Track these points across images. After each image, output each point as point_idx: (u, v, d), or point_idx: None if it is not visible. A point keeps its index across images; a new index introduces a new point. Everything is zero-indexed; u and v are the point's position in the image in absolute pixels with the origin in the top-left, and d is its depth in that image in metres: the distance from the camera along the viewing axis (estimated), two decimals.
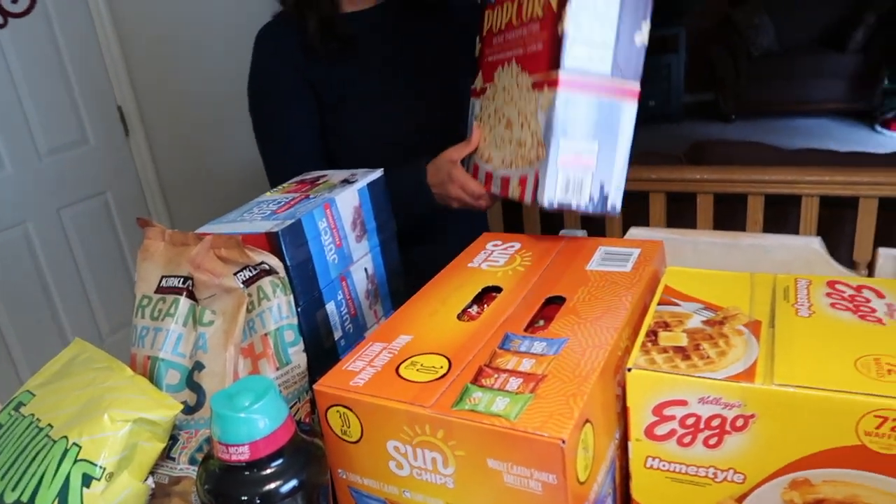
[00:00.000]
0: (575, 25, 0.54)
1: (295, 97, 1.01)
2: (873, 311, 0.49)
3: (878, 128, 4.34)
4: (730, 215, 1.56)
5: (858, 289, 0.52)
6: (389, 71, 1.02)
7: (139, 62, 2.27)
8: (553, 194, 0.57)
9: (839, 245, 1.48)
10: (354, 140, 1.02)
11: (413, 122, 1.02)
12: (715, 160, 1.58)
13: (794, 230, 1.48)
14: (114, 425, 0.47)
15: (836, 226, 1.50)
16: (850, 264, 1.46)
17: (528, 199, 0.61)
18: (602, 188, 0.58)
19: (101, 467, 0.46)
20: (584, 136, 0.56)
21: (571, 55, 0.54)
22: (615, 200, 0.59)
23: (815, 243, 0.71)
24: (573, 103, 0.55)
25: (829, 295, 0.51)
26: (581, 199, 0.58)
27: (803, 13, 4.92)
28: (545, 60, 0.57)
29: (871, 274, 0.68)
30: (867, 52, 4.51)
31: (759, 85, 4.85)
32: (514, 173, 0.63)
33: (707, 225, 1.54)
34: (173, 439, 0.53)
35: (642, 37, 0.56)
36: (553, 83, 0.56)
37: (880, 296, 0.51)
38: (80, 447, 0.46)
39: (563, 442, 0.38)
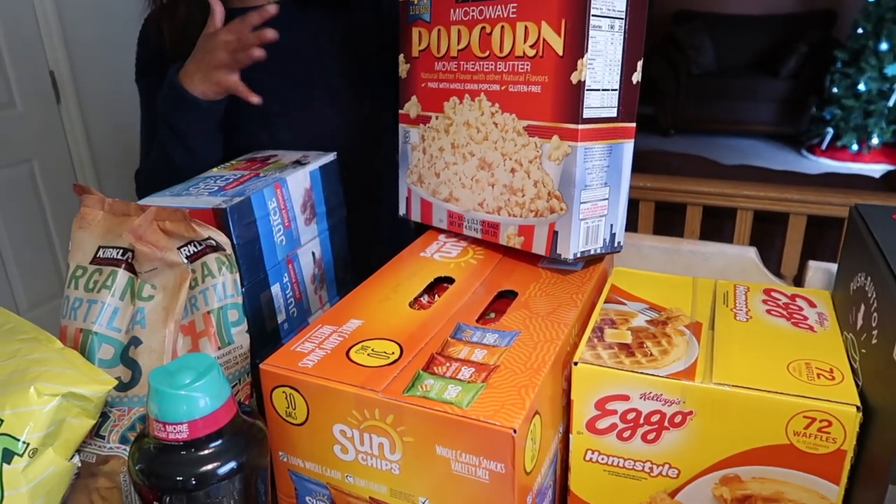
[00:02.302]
0: (591, 74, 0.53)
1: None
2: (805, 318, 0.51)
3: (804, 152, 4.59)
4: (668, 223, 1.62)
5: (792, 297, 0.55)
6: (278, 70, 0.91)
7: (76, 26, 2.16)
8: (577, 247, 0.57)
9: (768, 258, 1.56)
10: (238, 142, 0.91)
11: (297, 126, 0.93)
12: (656, 170, 1.63)
13: (729, 241, 1.55)
14: (40, 399, 0.44)
15: (766, 239, 1.58)
16: (778, 277, 1.54)
17: (538, 249, 0.59)
18: (611, 229, 0.59)
19: (24, 442, 0.43)
20: (599, 183, 0.56)
21: (589, 105, 0.54)
22: (620, 238, 0.60)
23: (751, 253, 0.74)
24: (590, 154, 0.55)
25: (765, 302, 0.54)
26: (597, 244, 0.58)
27: (742, 38, 5.14)
28: (548, 107, 0.56)
29: (797, 286, 0.72)
30: (798, 79, 4.76)
31: (696, 102, 5.04)
32: (508, 220, 0.61)
33: (647, 231, 1.59)
34: (103, 416, 0.50)
35: (638, 76, 0.56)
36: (569, 135, 0.55)
37: (812, 305, 0.53)
38: (2, 420, 0.43)
39: (515, 431, 0.38)
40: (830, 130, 4.38)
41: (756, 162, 4.40)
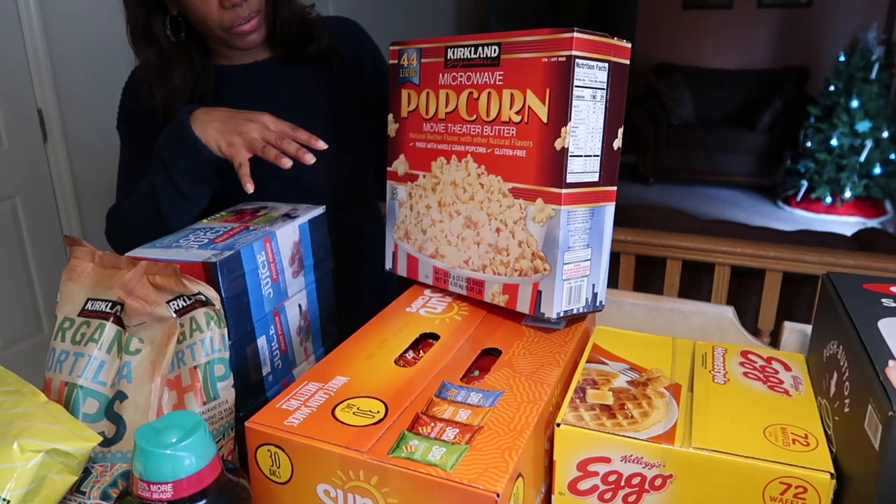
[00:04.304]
0: (574, 141, 0.56)
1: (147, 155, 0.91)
2: (781, 382, 0.53)
3: (780, 203, 4.69)
4: (649, 276, 1.65)
5: (769, 360, 0.56)
6: None
7: (65, 67, 2.18)
8: (560, 306, 0.59)
9: (745, 313, 1.59)
10: (226, 192, 0.88)
11: (284, 179, 0.89)
12: (637, 223, 1.67)
13: (707, 296, 1.57)
14: (23, 455, 0.44)
15: (743, 293, 1.61)
16: (755, 331, 1.56)
17: (522, 307, 0.61)
18: (593, 289, 0.61)
19: (4, 500, 0.43)
20: (582, 245, 0.58)
21: (571, 171, 0.56)
22: (602, 297, 0.62)
23: (729, 312, 0.76)
24: (573, 217, 0.57)
25: (742, 364, 0.55)
26: (579, 304, 0.60)
27: (720, 91, 5.31)
28: (532, 171, 0.58)
29: (773, 342, 0.74)
30: (773, 133, 4.90)
31: (676, 152, 5.16)
32: (493, 278, 0.63)
33: (628, 283, 1.61)
34: (86, 472, 0.50)
35: (619, 142, 0.59)
36: (553, 198, 0.57)
37: (787, 368, 0.55)
38: None
39: (498, 496, 0.39)
40: (805, 183, 4.49)
41: (734, 212, 4.50)
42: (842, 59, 4.38)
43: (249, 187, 0.77)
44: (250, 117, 0.79)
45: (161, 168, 0.83)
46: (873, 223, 4.31)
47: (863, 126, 4.20)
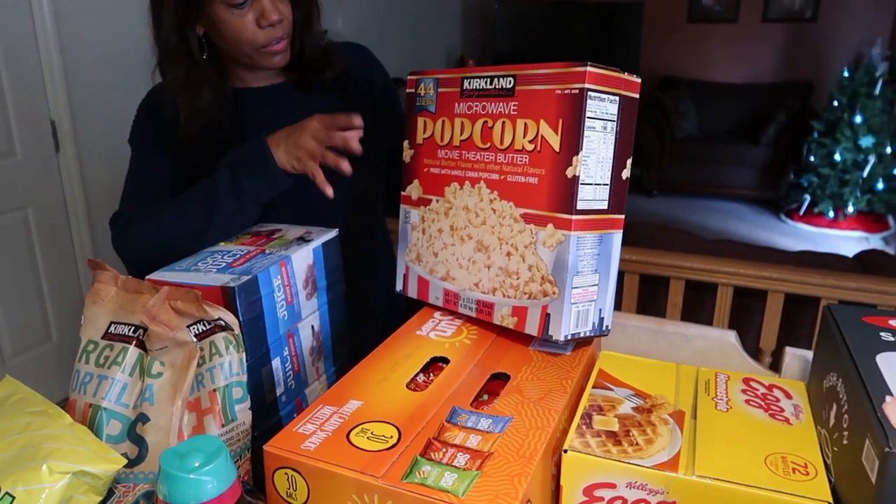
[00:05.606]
0: (585, 170, 0.58)
1: (167, 174, 0.97)
2: (782, 410, 0.54)
3: (783, 217, 4.70)
4: (652, 294, 1.66)
5: (770, 388, 0.58)
6: None
7: (79, 79, 2.21)
8: (568, 329, 0.61)
9: (748, 332, 1.60)
10: None
11: (298, 201, 0.94)
12: (640, 241, 1.68)
13: (710, 315, 1.59)
14: (52, 477, 0.46)
15: (745, 313, 1.62)
16: (756, 351, 1.57)
17: (531, 330, 0.63)
18: (600, 313, 0.63)
19: None
20: (590, 270, 0.60)
21: (582, 198, 0.59)
22: (608, 322, 0.64)
23: (731, 336, 0.78)
24: (583, 243, 0.60)
25: (744, 391, 0.57)
26: (586, 328, 0.62)
27: (724, 105, 5.33)
28: (544, 197, 0.60)
29: (775, 362, 0.75)
30: (777, 147, 4.92)
31: (680, 165, 5.18)
32: (503, 301, 0.65)
33: (632, 301, 1.63)
34: (109, 492, 0.52)
35: (627, 172, 0.62)
36: (563, 224, 0.59)
37: (788, 396, 0.57)
38: (14, 497, 0.45)
39: None
40: (808, 197, 4.51)
41: (737, 224, 4.52)
42: (846, 74, 4.40)
43: (329, 191, 0.83)
44: (302, 127, 0.84)
45: (232, 191, 0.84)
46: (876, 238, 4.32)
47: (866, 141, 4.21)
